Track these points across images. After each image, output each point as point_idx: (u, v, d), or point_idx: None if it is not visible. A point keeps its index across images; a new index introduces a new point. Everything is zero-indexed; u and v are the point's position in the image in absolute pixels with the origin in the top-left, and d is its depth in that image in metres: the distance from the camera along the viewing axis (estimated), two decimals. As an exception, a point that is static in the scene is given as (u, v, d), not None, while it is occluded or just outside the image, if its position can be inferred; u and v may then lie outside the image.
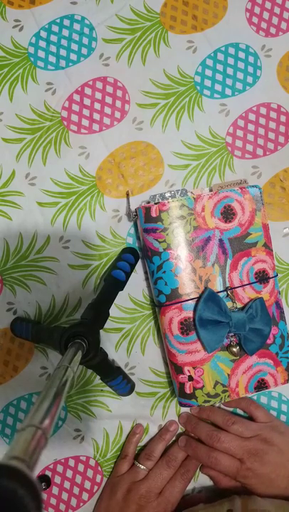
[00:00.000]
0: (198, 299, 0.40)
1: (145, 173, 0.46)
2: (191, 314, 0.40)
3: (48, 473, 0.45)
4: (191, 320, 0.40)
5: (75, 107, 0.46)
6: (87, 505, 0.45)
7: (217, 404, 0.45)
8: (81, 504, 0.45)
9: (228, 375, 0.41)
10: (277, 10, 0.47)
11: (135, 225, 0.45)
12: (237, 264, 0.41)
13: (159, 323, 0.44)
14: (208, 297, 0.39)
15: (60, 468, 0.45)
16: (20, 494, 0.14)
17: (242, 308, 0.41)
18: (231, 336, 0.41)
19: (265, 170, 0.46)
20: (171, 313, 0.41)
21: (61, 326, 0.44)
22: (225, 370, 0.41)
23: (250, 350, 0.40)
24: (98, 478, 0.45)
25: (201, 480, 0.45)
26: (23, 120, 0.46)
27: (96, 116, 0.46)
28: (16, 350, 0.46)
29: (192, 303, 0.40)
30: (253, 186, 0.42)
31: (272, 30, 0.47)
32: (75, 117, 0.46)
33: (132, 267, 0.43)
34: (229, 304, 0.41)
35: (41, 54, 0.46)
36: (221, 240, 0.41)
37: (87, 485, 0.45)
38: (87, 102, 0.46)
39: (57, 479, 0.45)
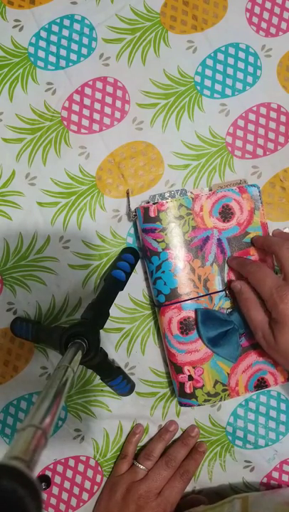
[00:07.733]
0: (196, 324, 0.40)
1: (145, 173, 0.46)
2: (190, 314, 0.40)
3: (48, 473, 0.45)
4: (191, 319, 0.40)
5: (75, 107, 0.46)
6: (87, 505, 0.45)
7: (217, 404, 0.45)
8: (81, 504, 0.45)
9: (228, 374, 0.41)
10: (277, 10, 0.47)
11: (135, 225, 0.45)
12: (237, 264, 0.41)
13: (158, 323, 0.44)
14: (203, 318, 0.40)
15: (60, 468, 0.45)
16: (20, 494, 0.14)
17: (235, 306, 0.41)
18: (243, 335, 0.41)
19: (265, 170, 0.46)
20: (170, 313, 0.41)
21: (61, 326, 0.44)
22: (225, 369, 0.41)
23: None
24: (98, 478, 0.45)
25: (201, 480, 0.45)
26: (23, 120, 0.46)
27: (96, 116, 0.46)
28: (16, 350, 0.46)
29: (191, 302, 0.41)
30: (251, 185, 0.42)
31: (272, 30, 0.47)
32: (75, 117, 0.46)
33: (132, 267, 0.43)
34: (227, 304, 0.41)
35: (41, 54, 0.46)
36: (219, 240, 0.41)
37: (87, 485, 0.45)
38: (87, 102, 0.46)
39: (57, 479, 0.45)
